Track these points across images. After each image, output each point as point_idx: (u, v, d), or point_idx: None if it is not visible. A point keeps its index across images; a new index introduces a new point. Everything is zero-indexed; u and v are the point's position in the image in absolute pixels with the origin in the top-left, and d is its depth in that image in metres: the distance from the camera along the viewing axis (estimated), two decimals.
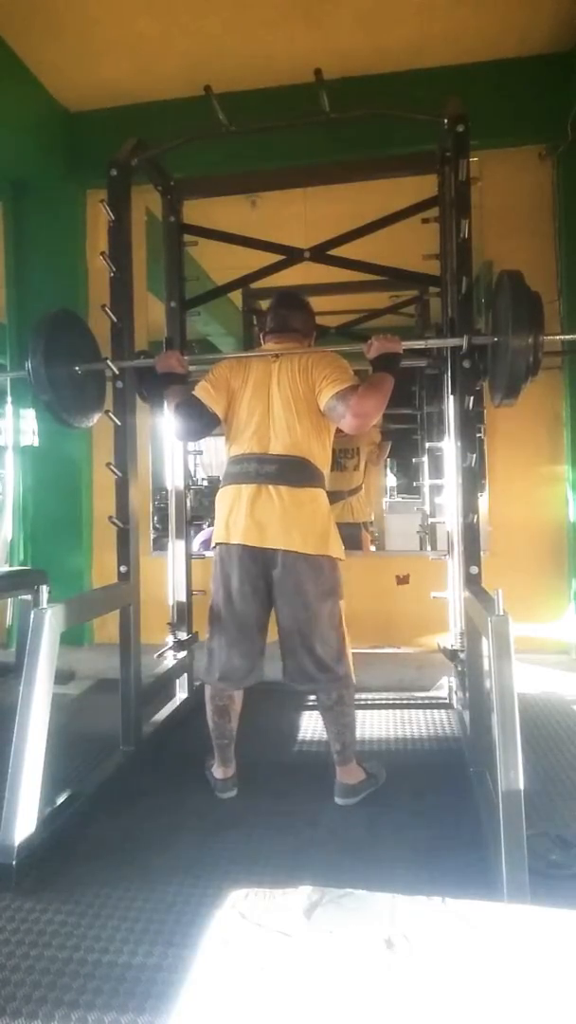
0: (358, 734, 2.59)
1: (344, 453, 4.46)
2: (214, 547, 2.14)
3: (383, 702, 2.97)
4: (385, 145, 3.44)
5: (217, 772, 2.16)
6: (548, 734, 2.58)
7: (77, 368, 2.41)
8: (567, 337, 2.75)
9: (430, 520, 4.40)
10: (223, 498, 2.13)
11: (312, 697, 2.68)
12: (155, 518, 4.23)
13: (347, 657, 2.10)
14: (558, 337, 2.64)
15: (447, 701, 2.94)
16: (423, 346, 2.50)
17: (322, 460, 2.12)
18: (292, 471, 2.04)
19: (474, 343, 2.26)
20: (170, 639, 2.90)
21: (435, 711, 2.86)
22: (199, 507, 4.76)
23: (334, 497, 2.15)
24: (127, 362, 2.42)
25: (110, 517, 2.42)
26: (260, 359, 2.16)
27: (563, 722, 2.69)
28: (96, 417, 2.60)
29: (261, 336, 2.35)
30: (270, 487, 2.03)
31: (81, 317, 2.60)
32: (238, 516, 2.05)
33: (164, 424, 3.25)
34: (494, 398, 2.29)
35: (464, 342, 2.26)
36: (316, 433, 2.08)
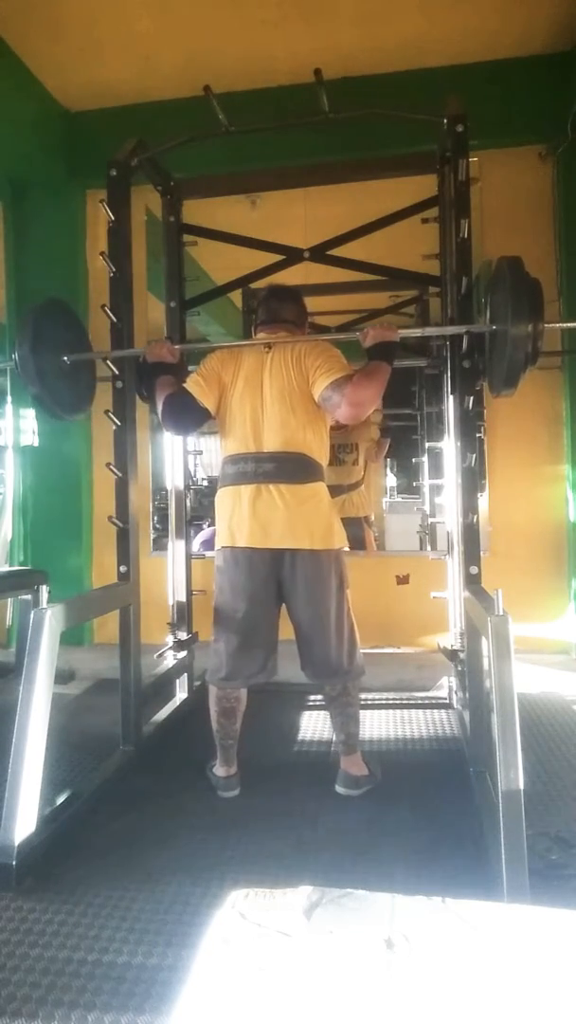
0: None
1: (342, 448, 4.47)
2: (218, 550, 2.13)
3: (383, 702, 2.97)
4: (385, 145, 3.43)
5: (220, 771, 2.16)
6: (548, 734, 2.57)
7: (65, 358, 2.37)
8: (567, 325, 2.73)
9: (430, 520, 4.40)
10: (223, 500, 2.11)
11: (312, 697, 2.68)
12: (155, 518, 4.23)
13: (358, 647, 2.12)
14: (558, 325, 2.61)
15: (447, 701, 2.94)
16: (420, 334, 2.47)
17: (320, 452, 2.10)
18: (291, 468, 2.03)
19: (471, 331, 2.25)
20: (170, 639, 2.90)
21: (435, 711, 2.86)
22: (199, 507, 4.76)
23: (334, 491, 2.14)
24: (116, 352, 2.39)
25: (110, 517, 2.41)
26: (252, 350, 2.13)
27: (563, 722, 2.69)
28: (86, 410, 2.58)
29: (253, 330, 2.32)
30: (270, 486, 2.02)
31: (71, 307, 2.56)
32: (241, 518, 2.03)
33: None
34: (493, 389, 2.26)
35: (462, 330, 2.25)
36: (311, 425, 2.05)
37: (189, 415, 2.12)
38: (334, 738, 2.15)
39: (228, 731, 2.14)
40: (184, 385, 2.14)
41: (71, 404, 2.49)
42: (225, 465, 2.13)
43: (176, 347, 2.33)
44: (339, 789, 2.07)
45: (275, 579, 2.06)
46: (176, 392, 2.14)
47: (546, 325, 2.00)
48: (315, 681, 2.13)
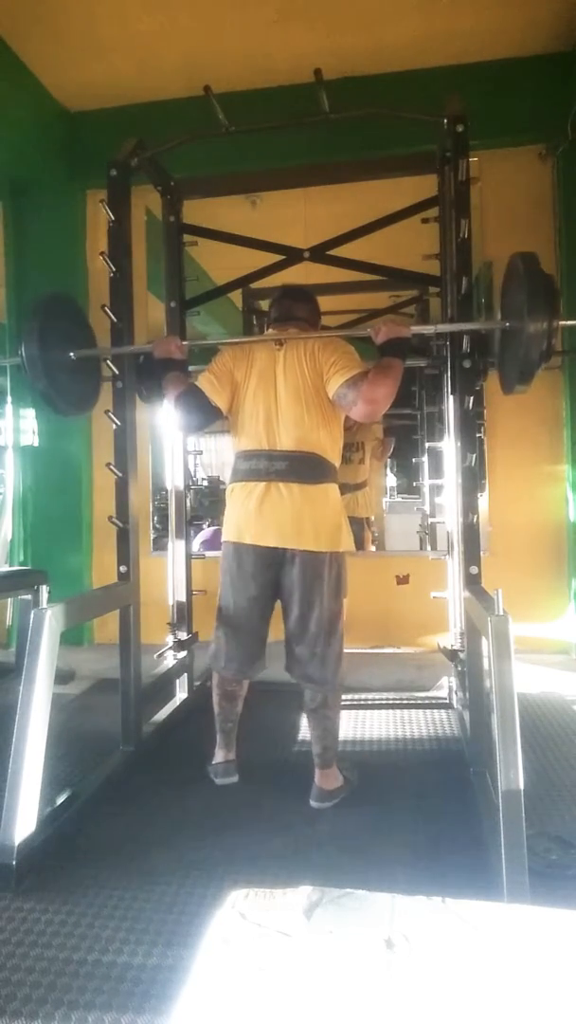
0: (358, 734, 2.59)
1: (349, 447, 4.46)
2: (223, 543, 2.12)
3: (383, 702, 2.97)
4: (385, 145, 3.44)
5: (218, 756, 2.16)
6: (548, 734, 2.57)
7: (72, 354, 2.36)
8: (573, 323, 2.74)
9: (430, 520, 4.41)
10: (233, 495, 2.10)
11: None
12: (155, 518, 4.23)
13: (342, 660, 2.08)
14: (569, 323, 2.62)
15: (447, 701, 2.94)
16: (432, 331, 2.45)
17: (333, 452, 2.08)
18: (303, 467, 2.01)
19: (484, 328, 2.25)
20: (170, 639, 2.90)
21: (435, 711, 2.86)
22: (199, 507, 4.76)
23: (341, 490, 2.13)
24: (121, 348, 2.39)
25: (110, 517, 2.41)
26: (264, 347, 2.11)
27: (563, 722, 2.69)
28: (91, 407, 2.57)
29: (266, 328, 2.31)
30: (281, 484, 1.99)
31: (76, 301, 2.54)
32: (248, 515, 2.02)
33: (164, 423, 3.25)
34: (506, 386, 2.22)
35: (476, 327, 2.24)
36: (325, 423, 2.03)
37: (202, 414, 2.10)
38: (312, 750, 2.11)
39: (229, 714, 2.17)
40: (196, 383, 2.11)
41: (77, 401, 2.47)
42: (237, 460, 2.11)
43: (184, 344, 2.31)
44: (313, 804, 2.04)
45: (275, 577, 2.06)
46: (189, 390, 2.11)
47: (561, 323, 1.97)
48: (298, 682, 2.09)
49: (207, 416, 2.12)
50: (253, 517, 2.01)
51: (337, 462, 2.11)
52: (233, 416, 2.13)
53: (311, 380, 2.01)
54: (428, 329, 2.40)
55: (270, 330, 2.20)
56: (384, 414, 2.06)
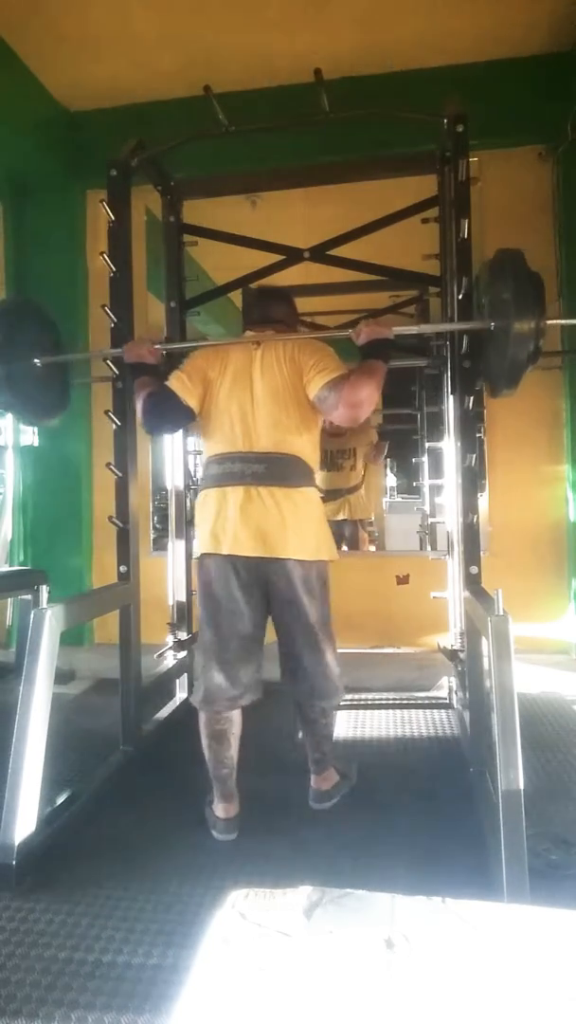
0: (358, 734, 2.59)
1: (340, 454, 4.47)
2: (199, 558, 1.95)
3: (383, 702, 2.97)
4: (385, 145, 3.44)
5: (218, 810, 1.92)
6: (548, 734, 2.57)
7: (36, 361, 2.30)
8: (568, 322, 2.70)
9: (430, 520, 4.41)
10: (206, 503, 1.94)
11: None
12: (155, 518, 4.23)
13: (339, 664, 2.02)
14: (559, 321, 2.55)
15: (447, 701, 2.94)
16: (416, 331, 2.41)
17: (312, 456, 1.98)
18: (283, 470, 1.89)
19: (470, 329, 2.23)
20: (170, 639, 2.90)
21: (435, 711, 2.86)
22: None
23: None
24: (94, 352, 2.36)
25: (110, 517, 2.41)
26: (240, 347, 2.00)
27: (563, 722, 2.69)
28: (60, 415, 2.53)
29: (243, 330, 2.26)
30: (260, 488, 1.86)
31: (43, 307, 2.47)
32: (226, 523, 1.87)
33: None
34: (493, 390, 2.19)
35: (459, 327, 2.22)
36: (304, 426, 1.92)
37: (172, 415, 1.98)
38: (308, 756, 2.06)
39: (221, 758, 1.92)
40: (166, 383, 1.99)
41: (43, 409, 2.42)
42: (209, 465, 1.97)
43: (157, 347, 2.22)
44: (313, 805, 2.02)
45: (261, 590, 1.91)
46: (157, 390, 1.98)
47: (548, 322, 1.93)
48: (299, 698, 2.01)
49: (178, 417, 1.99)
50: (232, 525, 1.86)
51: (316, 466, 2.01)
52: (204, 418, 1.99)
53: (290, 380, 1.90)
54: (411, 329, 2.33)
55: (248, 332, 2.12)
56: (382, 414, 2.02)
